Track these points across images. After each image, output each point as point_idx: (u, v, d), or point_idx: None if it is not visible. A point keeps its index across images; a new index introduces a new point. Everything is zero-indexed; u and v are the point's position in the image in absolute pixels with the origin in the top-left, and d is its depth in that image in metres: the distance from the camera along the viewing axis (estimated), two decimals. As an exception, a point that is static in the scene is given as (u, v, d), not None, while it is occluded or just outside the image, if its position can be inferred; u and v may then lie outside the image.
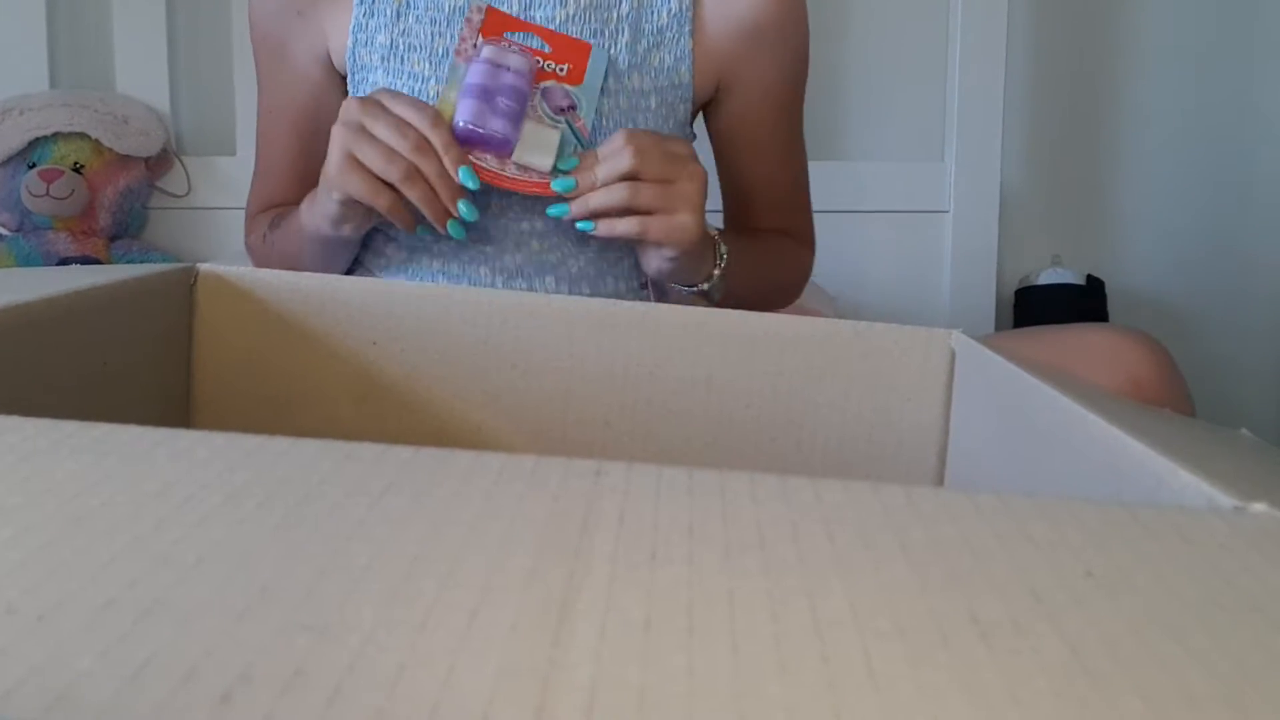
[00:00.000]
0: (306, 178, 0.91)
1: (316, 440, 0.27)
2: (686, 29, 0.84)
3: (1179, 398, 0.61)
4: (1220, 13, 1.66)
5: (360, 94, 0.83)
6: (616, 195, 0.70)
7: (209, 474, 0.24)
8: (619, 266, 0.85)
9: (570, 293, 0.84)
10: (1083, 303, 1.57)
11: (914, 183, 1.58)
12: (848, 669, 0.17)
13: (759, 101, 0.89)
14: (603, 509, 0.23)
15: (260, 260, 0.90)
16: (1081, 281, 1.59)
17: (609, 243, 0.85)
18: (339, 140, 0.70)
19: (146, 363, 0.53)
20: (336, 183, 0.70)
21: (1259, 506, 0.27)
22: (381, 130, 0.69)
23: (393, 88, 0.81)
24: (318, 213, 0.74)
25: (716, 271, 0.78)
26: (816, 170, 1.56)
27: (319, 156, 0.91)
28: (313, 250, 0.80)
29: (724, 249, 0.79)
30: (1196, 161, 1.69)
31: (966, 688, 0.17)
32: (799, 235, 0.96)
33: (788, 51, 0.89)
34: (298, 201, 0.90)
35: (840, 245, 1.59)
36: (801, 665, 0.17)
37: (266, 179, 0.93)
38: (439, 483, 0.24)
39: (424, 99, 0.81)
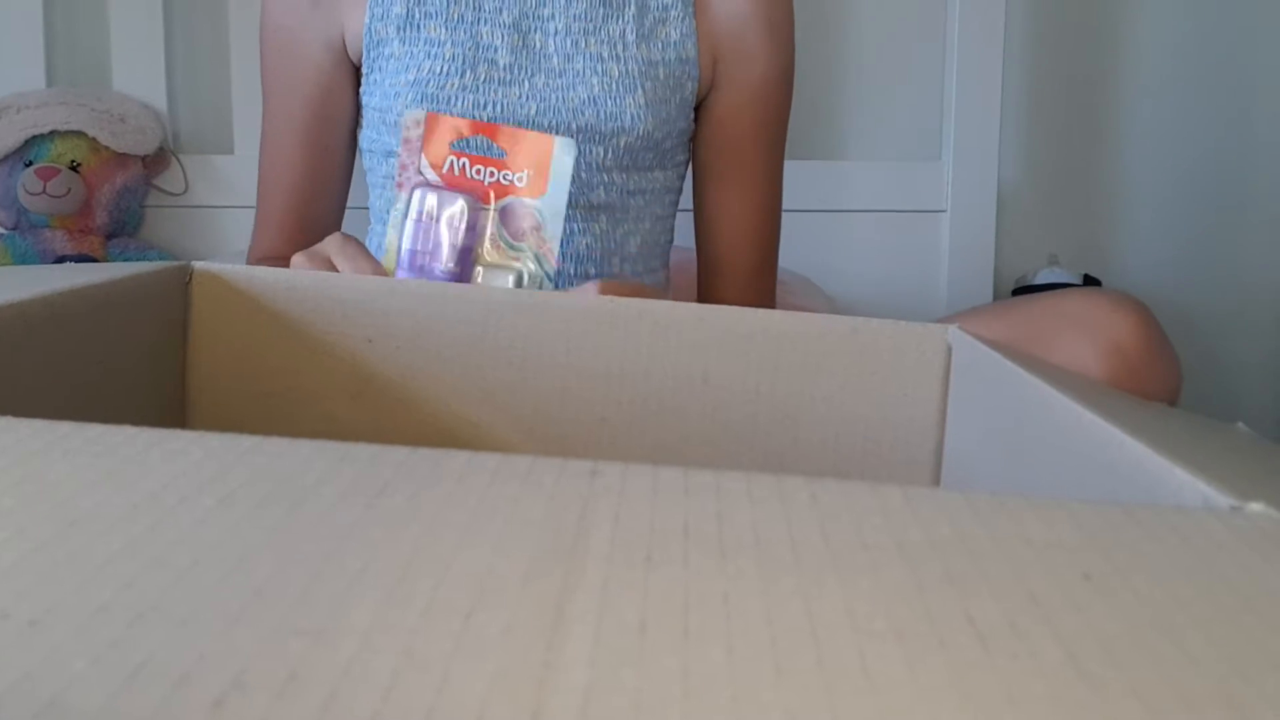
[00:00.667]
0: (313, 196, 0.90)
1: (311, 441, 0.27)
2: (690, 9, 0.86)
3: (1165, 361, 0.60)
4: (1218, 13, 1.66)
5: (377, 70, 0.84)
6: None
7: (203, 476, 0.24)
8: (625, 247, 0.87)
9: (575, 272, 0.85)
10: (1080, 301, 1.57)
11: (911, 182, 1.58)
12: (843, 671, 0.17)
13: (746, 105, 0.89)
14: (598, 510, 0.23)
15: None
16: (1078, 281, 1.59)
17: (619, 218, 0.87)
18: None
19: (142, 361, 0.53)
20: None
21: (1256, 506, 0.26)
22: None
23: (410, 55, 0.82)
24: None
25: None
26: (814, 170, 1.57)
27: (326, 169, 0.90)
28: None
29: None
30: (1194, 162, 1.69)
31: (963, 689, 0.17)
32: (765, 299, 0.95)
33: (774, 52, 0.90)
34: (302, 228, 0.90)
35: (837, 245, 1.59)
36: (797, 667, 0.17)
37: (269, 207, 0.91)
38: (434, 484, 0.24)
39: (440, 61, 0.82)
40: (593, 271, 0.86)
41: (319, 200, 0.91)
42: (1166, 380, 0.59)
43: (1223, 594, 0.21)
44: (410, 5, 0.83)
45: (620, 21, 0.84)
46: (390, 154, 0.86)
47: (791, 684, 0.17)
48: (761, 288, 0.93)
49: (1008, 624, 0.19)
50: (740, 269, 0.92)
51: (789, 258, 1.47)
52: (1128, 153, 1.69)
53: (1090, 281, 1.61)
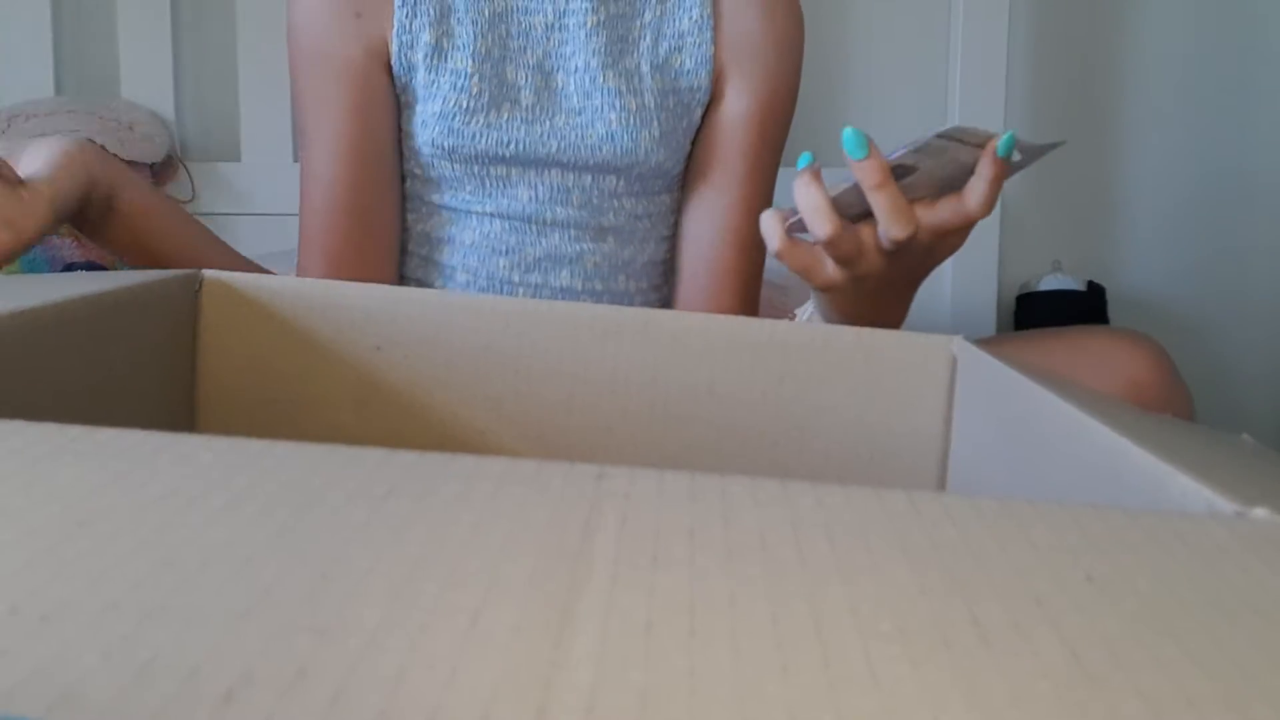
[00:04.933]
0: (363, 216, 0.85)
1: (319, 444, 0.27)
2: (708, 35, 0.86)
3: (1179, 400, 0.61)
4: (1221, 17, 1.66)
5: (407, 94, 0.84)
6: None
7: (212, 478, 0.24)
8: (632, 265, 0.88)
9: (583, 288, 0.86)
10: (1083, 309, 1.57)
11: (916, 189, 1.58)
12: (849, 671, 0.17)
13: (752, 120, 0.89)
14: (604, 513, 0.23)
15: None
16: (1082, 288, 1.59)
17: (627, 239, 0.87)
18: None
19: (151, 368, 0.53)
20: None
21: (1260, 512, 0.27)
22: None
23: (436, 85, 0.83)
24: None
25: None
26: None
27: (376, 185, 0.86)
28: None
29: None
30: (1197, 167, 1.69)
31: (967, 690, 0.17)
32: (750, 311, 0.94)
33: (784, 70, 0.90)
34: (352, 251, 0.86)
35: (843, 252, 1.59)
36: (803, 667, 0.17)
37: (314, 231, 0.86)
38: (441, 487, 0.24)
39: (466, 96, 0.83)
40: (599, 286, 0.87)
41: (370, 222, 0.86)
42: (1179, 416, 0.60)
43: (1226, 597, 0.21)
44: (439, 35, 0.83)
45: (636, 54, 0.85)
46: (409, 178, 0.87)
47: (797, 683, 0.17)
48: (748, 298, 0.93)
49: (1012, 625, 0.19)
50: (729, 279, 0.91)
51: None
52: (1131, 159, 1.69)
53: (1094, 288, 1.61)
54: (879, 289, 0.65)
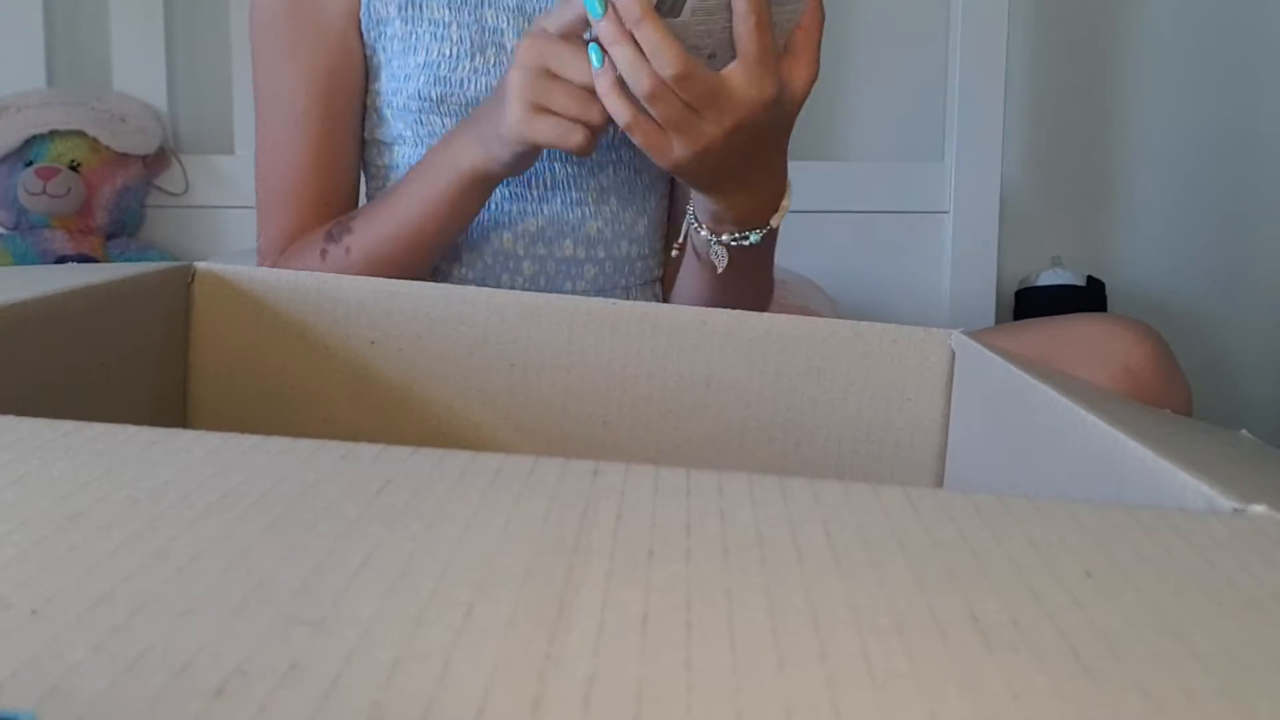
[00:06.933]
0: (331, 173, 0.86)
1: (313, 440, 0.27)
2: None
3: (1176, 388, 0.61)
4: (1221, 13, 1.66)
5: (380, 53, 0.83)
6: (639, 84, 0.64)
7: (205, 473, 0.24)
8: (634, 229, 0.87)
9: (587, 256, 0.85)
10: (1083, 304, 1.57)
11: (914, 183, 1.59)
12: (846, 665, 0.17)
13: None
14: (600, 508, 0.23)
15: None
16: (1081, 283, 1.59)
17: (627, 199, 0.86)
18: (523, 90, 0.67)
19: (143, 361, 0.53)
20: (523, 134, 0.68)
21: (1258, 508, 0.26)
22: (574, 73, 0.67)
23: (415, 36, 0.82)
24: (492, 157, 0.72)
25: (774, 220, 0.73)
26: (817, 170, 1.57)
27: (343, 143, 0.86)
28: (452, 208, 0.76)
29: (789, 196, 0.74)
30: (1197, 163, 1.69)
31: (965, 684, 0.17)
32: None
33: None
34: (322, 206, 0.86)
35: (840, 245, 1.59)
36: (799, 661, 0.17)
37: (280, 189, 0.86)
38: (436, 482, 0.24)
39: (448, 44, 0.82)
40: (602, 254, 0.86)
41: (337, 178, 0.87)
42: (1176, 404, 0.59)
43: (1225, 592, 0.21)
44: None
45: None
46: (394, 142, 0.86)
47: (794, 678, 0.17)
48: None
49: (1010, 620, 0.19)
50: None
51: (790, 258, 1.47)
52: (1131, 154, 1.69)
53: (1094, 283, 1.61)
54: (724, 161, 0.66)
